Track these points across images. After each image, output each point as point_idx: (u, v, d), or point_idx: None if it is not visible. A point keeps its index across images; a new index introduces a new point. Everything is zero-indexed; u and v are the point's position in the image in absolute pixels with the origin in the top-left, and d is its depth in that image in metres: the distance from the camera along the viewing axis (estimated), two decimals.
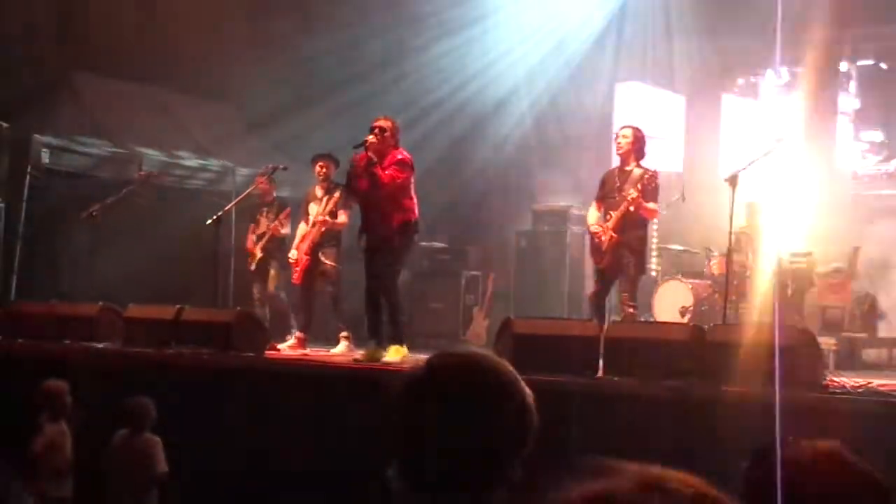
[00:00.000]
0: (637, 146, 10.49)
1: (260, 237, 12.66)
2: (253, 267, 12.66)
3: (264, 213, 12.74)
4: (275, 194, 12.90)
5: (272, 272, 12.61)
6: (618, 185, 10.42)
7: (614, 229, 10.21)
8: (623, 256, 10.24)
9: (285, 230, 12.57)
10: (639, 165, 10.46)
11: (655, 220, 12.61)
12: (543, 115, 15.70)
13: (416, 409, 2.15)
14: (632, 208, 10.14)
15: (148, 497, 7.70)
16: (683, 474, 1.31)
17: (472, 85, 15.81)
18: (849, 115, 16.58)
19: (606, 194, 10.55)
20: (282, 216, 12.49)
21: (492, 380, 2.14)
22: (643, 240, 10.52)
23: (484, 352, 2.28)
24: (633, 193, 10.11)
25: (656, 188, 10.42)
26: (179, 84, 15.33)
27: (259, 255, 12.57)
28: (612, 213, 10.32)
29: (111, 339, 10.47)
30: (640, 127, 10.94)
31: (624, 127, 10.85)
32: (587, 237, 10.99)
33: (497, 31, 15.91)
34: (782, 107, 16.77)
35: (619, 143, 10.56)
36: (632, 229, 10.29)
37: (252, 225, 12.85)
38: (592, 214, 10.70)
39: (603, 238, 10.28)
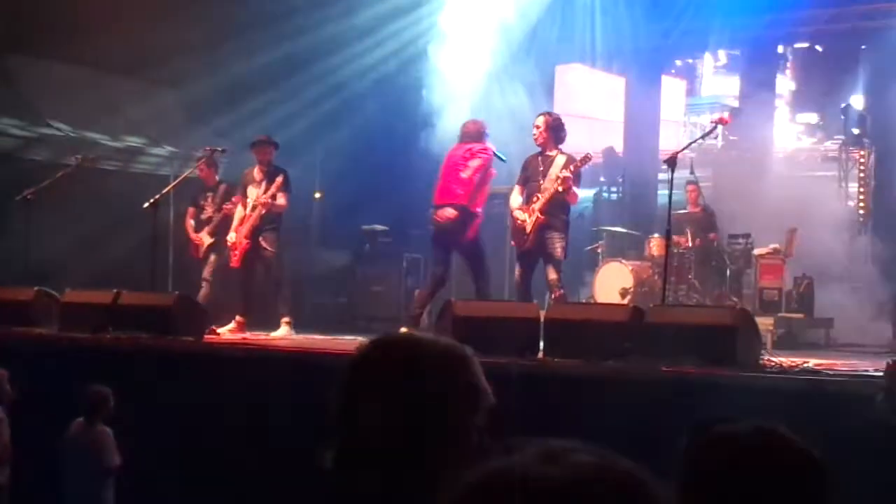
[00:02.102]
0: (552, 132, 10.49)
1: (205, 222, 12.43)
2: (202, 254, 12.37)
3: (208, 199, 12.51)
4: (217, 178, 12.69)
5: (213, 257, 12.40)
6: (541, 169, 10.43)
7: (541, 211, 10.23)
8: (548, 239, 10.26)
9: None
10: (561, 151, 10.49)
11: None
12: (485, 96, 15.70)
13: (355, 391, 2.14)
14: (561, 189, 10.15)
15: (102, 488, 7.62)
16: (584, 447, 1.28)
17: (412, 68, 15.78)
18: (785, 97, 16.80)
19: (529, 178, 10.56)
20: (235, 199, 12.29)
21: (430, 361, 2.13)
22: (567, 223, 10.54)
23: (425, 334, 2.27)
24: (564, 173, 10.14)
25: (580, 175, 10.46)
26: (117, 66, 15.13)
27: (210, 240, 12.24)
28: (538, 195, 10.32)
29: (48, 324, 10.33)
30: (554, 113, 10.95)
31: (538, 115, 10.82)
32: (509, 220, 10.93)
33: (437, 15, 15.88)
34: (720, 88, 16.94)
35: (533, 133, 10.57)
36: (557, 213, 10.33)
37: (192, 209, 12.63)
38: (515, 198, 10.67)
39: (528, 220, 10.29)
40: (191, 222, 12.57)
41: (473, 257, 11.01)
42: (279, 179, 11.59)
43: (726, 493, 2.27)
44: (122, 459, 7.73)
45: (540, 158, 10.52)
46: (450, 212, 10.68)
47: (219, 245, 12.30)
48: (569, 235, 10.49)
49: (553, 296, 10.23)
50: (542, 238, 10.26)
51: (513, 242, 10.81)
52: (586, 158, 10.45)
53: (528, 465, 1.23)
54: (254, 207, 11.65)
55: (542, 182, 10.34)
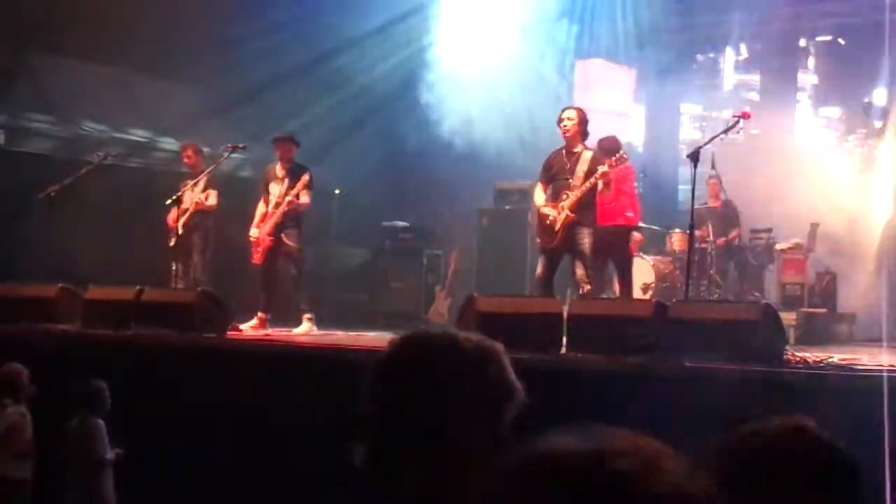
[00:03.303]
0: (583, 127, 10.43)
1: (183, 212, 12.30)
2: (172, 243, 12.16)
3: (190, 188, 12.39)
4: (203, 168, 12.55)
5: (195, 256, 12.30)
6: (568, 166, 10.34)
7: (571, 209, 10.15)
8: (577, 235, 10.19)
9: (210, 202, 12.31)
10: (586, 147, 10.42)
11: None
12: (505, 91, 15.67)
13: (386, 387, 2.13)
14: (600, 183, 10.09)
15: (98, 480, 7.65)
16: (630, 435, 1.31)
17: (433, 63, 15.76)
18: (807, 91, 16.69)
19: (555, 176, 10.46)
20: (206, 194, 12.19)
21: (463, 359, 2.12)
22: (595, 218, 10.51)
23: (453, 330, 2.26)
24: (603, 168, 10.08)
25: None
26: (138, 63, 15.17)
27: (180, 231, 12.08)
28: (567, 193, 10.23)
29: (70, 321, 10.37)
30: (582, 108, 10.86)
31: (567, 109, 10.71)
32: (533, 217, 10.95)
33: (457, 8, 15.87)
34: (742, 83, 16.84)
35: (564, 126, 10.41)
36: (586, 209, 10.27)
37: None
38: (539, 196, 10.57)
39: (557, 218, 10.21)
40: (176, 211, 12.37)
41: (627, 269, 11.53)
42: (305, 178, 11.60)
43: (755, 491, 2.27)
44: (120, 453, 7.72)
45: (565, 155, 10.44)
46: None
47: (193, 242, 12.25)
48: (595, 229, 10.48)
49: (581, 291, 10.18)
50: (572, 234, 10.19)
51: (538, 240, 10.73)
52: (621, 159, 10.41)
53: (558, 442, 1.26)
54: (276, 205, 11.68)
55: (570, 179, 10.26)
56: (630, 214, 11.58)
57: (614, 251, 11.35)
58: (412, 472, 2.06)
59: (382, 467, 2.09)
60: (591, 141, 10.71)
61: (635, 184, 11.81)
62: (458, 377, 2.09)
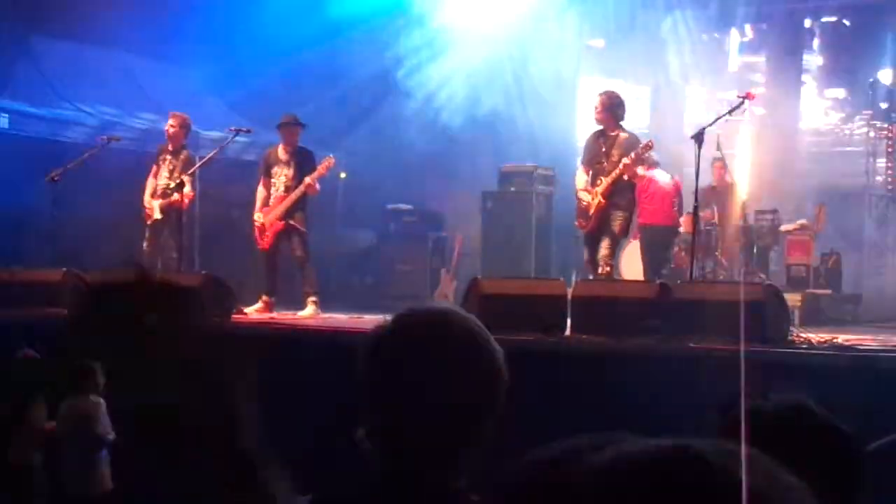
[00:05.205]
0: (609, 112, 10.42)
1: (161, 192, 12.02)
2: (149, 222, 12.06)
3: (167, 162, 12.13)
4: (184, 144, 12.26)
5: (166, 231, 11.96)
6: (604, 150, 10.39)
7: (603, 194, 10.20)
8: (610, 217, 10.26)
9: (187, 192, 11.77)
10: (622, 130, 10.43)
11: None
12: (511, 72, 15.64)
13: (383, 366, 2.13)
14: (625, 176, 10.15)
15: (95, 459, 7.65)
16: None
17: (438, 44, 15.72)
18: (812, 72, 16.64)
19: (592, 159, 10.50)
20: (187, 176, 11.75)
21: (459, 334, 2.12)
22: (632, 202, 10.57)
23: (451, 306, 2.26)
24: (625, 161, 10.11)
25: (642, 159, 10.50)
26: (139, 47, 15.15)
27: (160, 216, 11.94)
28: (602, 178, 10.28)
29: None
30: (613, 91, 10.84)
31: (598, 95, 10.77)
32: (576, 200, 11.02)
33: None
34: (747, 64, 16.80)
35: (595, 108, 10.53)
36: (621, 193, 10.31)
37: (155, 167, 12.25)
38: (581, 178, 10.65)
39: (592, 203, 10.27)
40: (151, 181, 12.22)
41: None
42: (330, 161, 11.71)
43: None
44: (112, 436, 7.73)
45: (601, 139, 10.47)
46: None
47: (168, 225, 11.96)
48: (633, 213, 10.57)
49: (600, 272, 10.21)
50: (606, 217, 10.26)
51: (577, 223, 10.77)
52: (648, 146, 10.45)
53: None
54: (286, 188, 11.64)
55: (604, 163, 10.30)
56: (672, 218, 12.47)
57: (653, 248, 12.29)
58: (409, 451, 2.06)
59: (382, 448, 2.09)
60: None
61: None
62: (449, 357, 2.09)
